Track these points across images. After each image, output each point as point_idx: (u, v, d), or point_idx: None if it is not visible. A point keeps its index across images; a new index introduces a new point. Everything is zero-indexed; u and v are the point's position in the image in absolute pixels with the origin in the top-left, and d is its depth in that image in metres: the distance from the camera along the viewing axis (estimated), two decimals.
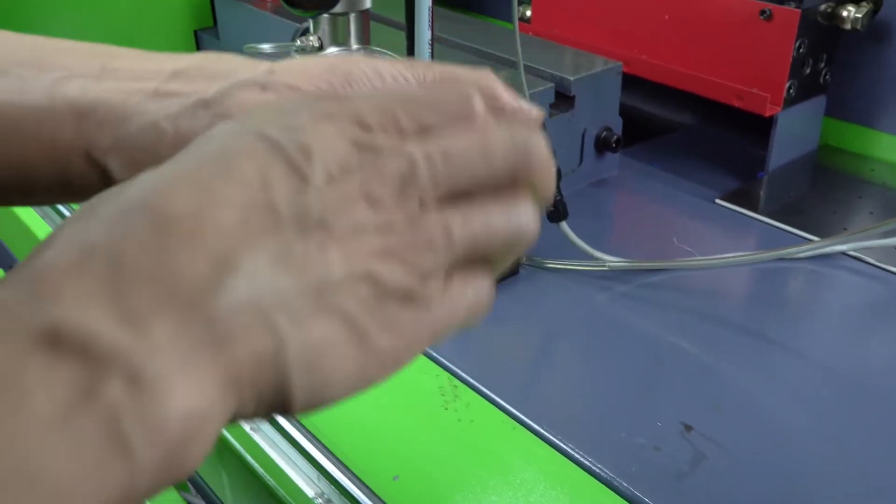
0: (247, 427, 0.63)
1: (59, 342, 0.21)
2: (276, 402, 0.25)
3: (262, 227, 0.25)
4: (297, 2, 0.75)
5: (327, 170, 0.26)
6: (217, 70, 0.37)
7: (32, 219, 0.91)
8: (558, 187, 0.76)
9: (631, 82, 0.98)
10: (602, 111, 0.90)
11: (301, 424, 0.60)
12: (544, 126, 0.38)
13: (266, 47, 0.78)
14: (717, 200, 0.91)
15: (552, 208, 0.76)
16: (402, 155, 0.27)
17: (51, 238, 0.24)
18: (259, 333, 0.23)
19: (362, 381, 0.27)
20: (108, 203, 0.25)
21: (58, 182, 0.37)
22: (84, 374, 0.21)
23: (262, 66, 0.37)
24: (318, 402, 0.25)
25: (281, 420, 0.61)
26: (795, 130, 0.96)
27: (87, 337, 0.21)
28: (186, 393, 0.22)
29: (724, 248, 0.80)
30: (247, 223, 0.24)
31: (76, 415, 0.20)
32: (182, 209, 0.24)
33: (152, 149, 0.36)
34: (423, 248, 0.27)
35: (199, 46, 1.26)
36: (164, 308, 0.22)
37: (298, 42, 0.79)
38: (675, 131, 1.08)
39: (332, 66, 0.36)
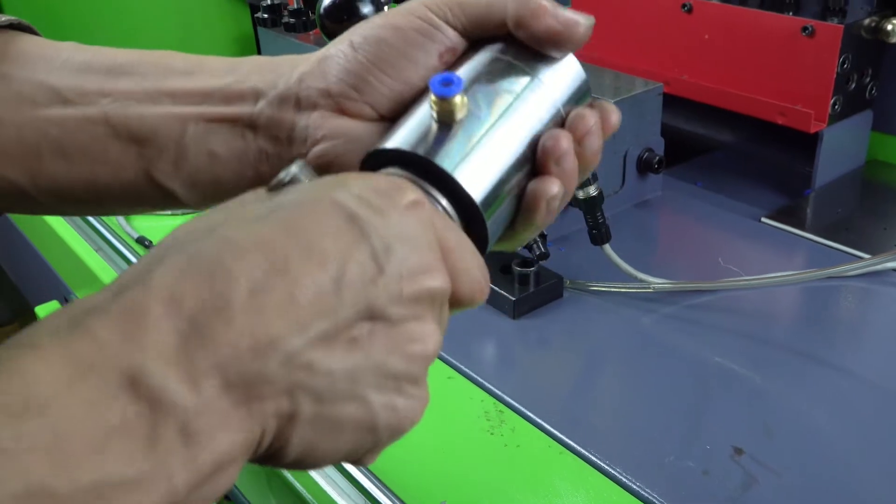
0: None
1: (138, 388, 0.25)
2: (268, 457, 0.29)
3: (323, 309, 0.28)
4: (337, 34, 0.76)
5: (400, 270, 0.30)
6: (258, 83, 0.39)
7: (67, 232, 0.94)
8: (601, 209, 0.76)
9: (672, 101, 0.97)
10: (643, 132, 0.90)
11: None
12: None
13: None
14: (763, 219, 0.90)
15: (595, 231, 0.76)
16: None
17: (145, 271, 0.28)
18: (284, 401, 0.28)
19: (348, 458, 0.32)
20: (194, 247, 0.28)
21: (126, 197, 0.41)
22: (151, 419, 0.25)
23: (294, 73, 0.39)
24: (304, 467, 0.30)
25: None
26: (841, 146, 0.94)
27: (159, 391, 0.25)
28: (221, 442, 0.27)
29: (771, 267, 0.79)
30: (310, 305, 0.28)
31: (141, 454, 0.25)
32: (255, 281, 0.27)
33: (209, 170, 0.39)
34: (434, 347, 0.32)
35: None
36: (216, 371, 0.26)
37: None
38: (719, 150, 1.07)
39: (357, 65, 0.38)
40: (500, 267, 0.78)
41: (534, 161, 0.37)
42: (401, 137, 0.35)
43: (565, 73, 0.38)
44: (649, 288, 0.77)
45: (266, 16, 1.21)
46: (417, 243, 0.31)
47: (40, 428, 0.24)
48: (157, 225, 0.95)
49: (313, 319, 0.28)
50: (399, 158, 0.35)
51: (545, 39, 0.37)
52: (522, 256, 0.78)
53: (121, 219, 0.96)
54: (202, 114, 0.39)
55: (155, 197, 0.41)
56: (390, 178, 0.32)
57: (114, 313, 0.26)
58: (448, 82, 0.34)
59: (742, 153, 1.06)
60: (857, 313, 0.76)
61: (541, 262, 0.77)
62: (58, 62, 0.40)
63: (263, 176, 0.39)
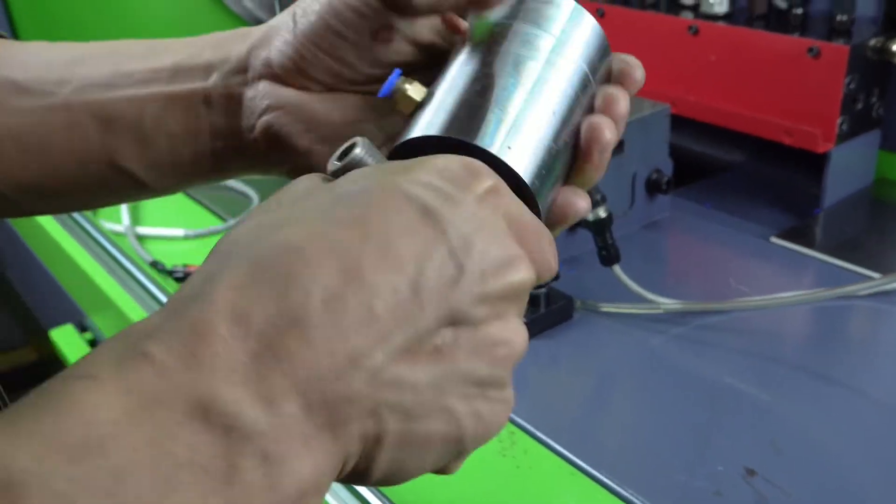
0: None
1: (209, 415, 0.23)
2: (353, 477, 0.27)
3: (404, 318, 0.26)
4: None
5: (482, 267, 0.27)
6: (211, 58, 0.39)
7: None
8: (610, 231, 0.77)
9: (680, 122, 0.98)
10: (652, 153, 0.91)
11: None
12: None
13: None
14: (773, 239, 0.90)
15: (604, 252, 0.77)
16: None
17: (204, 284, 0.25)
18: (369, 422, 0.26)
19: (434, 469, 0.29)
20: (255, 252, 0.26)
21: (94, 186, 0.40)
22: (226, 448, 0.23)
23: (245, 44, 0.39)
24: (389, 483, 0.28)
25: None
26: (850, 166, 0.95)
27: (234, 416, 0.23)
28: (304, 467, 0.24)
29: (780, 287, 0.79)
30: (390, 315, 0.26)
31: (216, 490, 0.23)
32: (329, 291, 0.25)
33: (169, 150, 0.39)
34: (522, 346, 0.29)
35: None
36: (295, 393, 0.24)
37: None
38: (727, 170, 1.08)
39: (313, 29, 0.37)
40: None
41: (570, 127, 0.35)
42: (428, 122, 0.33)
43: (582, 29, 0.37)
44: (659, 309, 0.77)
45: None
46: (497, 234, 0.28)
47: (99, 469, 0.21)
48: (171, 249, 0.96)
49: (394, 330, 0.26)
50: (431, 147, 0.32)
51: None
52: None
53: (134, 242, 0.97)
54: (158, 93, 0.39)
55: (121, 184, 0.40)
56: (463, 161, 0.30)
57: (175, 335, 0.24)
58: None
59: (750, 173, 1.07)
60: (867, 333, 0.76)
61: (551, 284, 0.77)
62: (20, 58, 0.41)
63: (219, 154, 0.39)
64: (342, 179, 0.29)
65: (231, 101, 0.39)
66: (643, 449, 0.63)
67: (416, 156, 0.32)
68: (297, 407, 0.24)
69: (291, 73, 0.37)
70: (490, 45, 0.35)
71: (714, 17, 0.99)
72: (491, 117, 0.32)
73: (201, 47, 0.40)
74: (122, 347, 0.24)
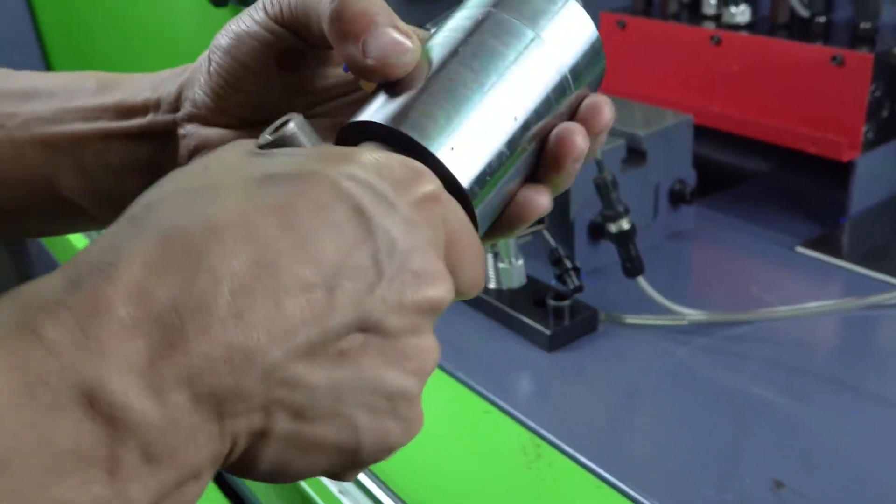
0: (333, 488, 0.64)
1: (94, 403, 0.22)
2: (236, 468, 0.27)
3: (312, 317, 0.25)
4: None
5: (403, 277, 0.27)
6: (150, 96, 0.39)
7: None
8: (633, 242, 0.77)
9: (703, 132, 0.98)
10: (675, 164, 0.91)
11: (387, 487, 0.61)
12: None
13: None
14: (798, 248, 0.89)
15: (628, 263, 0.77)
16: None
17: (110, 251, 0.24)
18: (257, 418, 0.25)
19: (326, 475, 0.29)
20: (171, 223, 0.25)
21: (42, 216, 0.42)
22: (110, 438, 0.23)
23: (176, 84, 0.39)
24: (275, 481, 0.27)
25: (364, 479, 0.62)
26: (876, 173, 0.94)
27: (119, 407, 0.23)
28: (187, 461, 0.24)
29: (807, 297, 0.78)
30: (297, 312, 0.25)
31: (98, 481, 0.22)
32: (238, 282, 0.24)
33: (110, 182, 0.40)
34: (433, 363, 0.29)
35: None
36: (185, 384, 0.23)
37: None
38: (751, 179, 1.07)
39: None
40: (534, 300, 0.78)
41: (534, 132, 0.33)
42: (378, 108, 0.31)
43: (572, 31, 0.34)
44: (684, 320, 0.77)
45: None
46: (425, 244, 0.27)
47: None
48: None
49: (299, 329, 0.25)
50: (377, 134, 0.31)
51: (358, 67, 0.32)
52: (557, 290, 0.78)
53: None
54: (100, 129, 0.40)
55: (68, 214, 0.41)
56: (405, 162, 0.28)
57: (70, 312, 0.23)
58: None
59: (774, 182, 1.06)
60: None
61: (575, 296, 0.77)
62: None
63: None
64: (275, 155, 0.28)
65: (167, 138, 0.39)
66: (670, 461, 0.63)
67: (363, 139, 0.31)
68: (186, 398, 0.23)
69: (212, 112, 0.37)
70: (467, 32, 0.33)
71: (736, 27, 0.99)
72: (440, 113, 0.30)
73: (144, 86, 0.40)
74: (14, 319, 0.23)
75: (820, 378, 0.70)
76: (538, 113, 0.33)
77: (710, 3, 1.03)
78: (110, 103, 0.40)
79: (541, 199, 0.34)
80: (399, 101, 0.31)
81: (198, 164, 0.28)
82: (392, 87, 0.31)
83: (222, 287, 0.24)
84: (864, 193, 0.93)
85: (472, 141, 0.31)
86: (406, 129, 0.30)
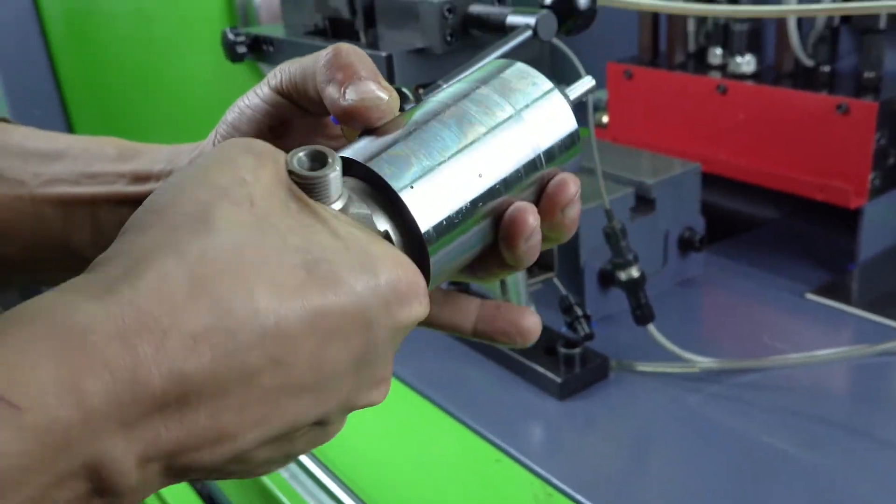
0: None
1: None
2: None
3: (283, 414, 0.28)
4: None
5: (370, 382, 0.31)
6: (165, 166, 0.41)
7: None
8: (643, 290, 0.77)
9: (712, 179, 0.99)
10: (683, 212, 0.92)
11: None
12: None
13: None
14: (808, 295, 0.89)
15: (638, 311, 0.77)
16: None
17: (119, 282, 0.26)
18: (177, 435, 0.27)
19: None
20: (197, 270, 0.27)
21: (61, 269, 0.43)
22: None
23: (190, 156, 0.41)
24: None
25: None
26: (884, 220, 0.94)
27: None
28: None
29: (818, 344, 0.78)
30: (277, 414, 0.28)
31: None
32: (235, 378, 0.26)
33: None
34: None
35: None
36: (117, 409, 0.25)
37: None
38: (760, 226, 1.08)
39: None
40: (545, 348, 0.79)
41: (498, 200, 0.35)
42: (355, 147, 0.34)
43: (552, 118, 0.37)
44: (695, 367, 0.77)
45: None
46: (392, 356, 0.32)
47: None
48: None
49: (276, 423, 0.28)
50: (353, 170, 0.33)
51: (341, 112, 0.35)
52: (567, 337, 0.79)
53: None
54: (117, 193, 0.42)
55: (80, 268, 0.43)
56: (412, 279, 0.31)
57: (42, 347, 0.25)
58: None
59: (783, 229, 1.07)
60: None
61: (586, 343, 0.78)
62: (14, 147, 0.44)
63: None
64: (316, 231, 0.30)
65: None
66: None
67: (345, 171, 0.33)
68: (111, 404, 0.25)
69: None
70: (453, 100, 0.36)
71: (742, 77, 1.00)
72: (412, 159, 0.33)
73: (160, 157, 0.43)
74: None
75: (833, 426, 0.70)
76: (505, 182, 0.35)
77: (716, 54, 1.05)
78: (127, 171, 0.42)
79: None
80: (376, 145, 0.34)
81: (234, 176, 0.29)
82: (373, 134, 0.34)
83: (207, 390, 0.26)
84: (872, 240, 0.94)
85: (435, 189, 0.33)
86: (374, 167, 0.32)
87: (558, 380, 0.75)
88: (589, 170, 0.77)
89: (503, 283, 0.78)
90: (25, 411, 0.23)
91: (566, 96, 0.38)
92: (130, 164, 0.42)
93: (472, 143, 0.34)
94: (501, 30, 0.61)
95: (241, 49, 0.79)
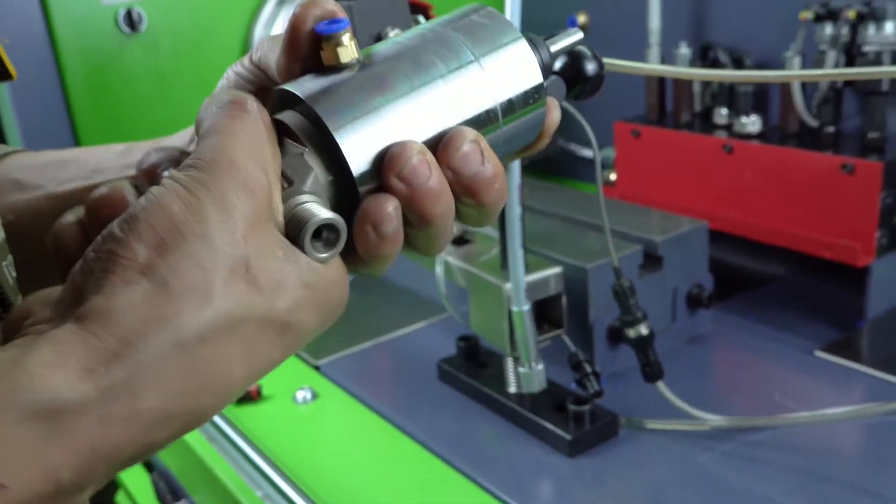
0: None
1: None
2: None
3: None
4: None
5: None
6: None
7: None
8: (652, 347, 0.77)
9: (720, 236, 0.99)
10: (691, 269, 0.92)
11: None
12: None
13: None
14: (817, 352, 0.89)
15: (647, 368, 0.77)
16: None
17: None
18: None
19: None
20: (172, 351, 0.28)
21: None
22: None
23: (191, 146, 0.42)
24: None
25: None
26: (892, 277, 0.95)
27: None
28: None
29: (829, 402, 0.78)
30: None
31: None
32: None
33: None
34: None
35: None
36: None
37: None
38: (768, 283, 1.08)
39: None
40: (554, 405, 0.79)
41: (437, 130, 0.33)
42: (300, 81, 0.33)
43: (516, 68, 0.34)
44: (706, 425, 0.77)
45: None
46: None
47: None
48: None
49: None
50: (296, 102, 0.32)
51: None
52: (577, 394, 0.79)
53: None
54: (125, 178, 0.44)
55: None
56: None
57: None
58: (335, 21, 0.32)
59: (791, 286, 1.07)
60: None
61: (595, 400, 0.78)
62: (24, 162, 0.48)
63: None
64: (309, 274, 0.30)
65: None
66: None
67: (292, 103, 0.32)
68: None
69: None
70: (414, 40, 0.34)
71: (747, 136, 1.02)
72: (356, 98, 0.32)
73: (168, 145, 0.45)
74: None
75: (845, 486, 0.69)
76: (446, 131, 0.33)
77: (722, 114, 1.07)
78: (134, 161, 0.44)
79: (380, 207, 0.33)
80: (323, 81, 0.32)
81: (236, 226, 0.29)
82: (329, 69, 0.33)
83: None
84: (880, 297, 0.94)
85: (373, 130, 0.31)
86: (312, 103, 0.31)
87: (568, 437, 0.75)
88: (597, 227, 0.78)
89: (512, 340, 0.78)
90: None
91: (538, 47, 0.36)
92: (137, 155, 0.44)
93: (423, 86, 0.33)
94: None
95: None
